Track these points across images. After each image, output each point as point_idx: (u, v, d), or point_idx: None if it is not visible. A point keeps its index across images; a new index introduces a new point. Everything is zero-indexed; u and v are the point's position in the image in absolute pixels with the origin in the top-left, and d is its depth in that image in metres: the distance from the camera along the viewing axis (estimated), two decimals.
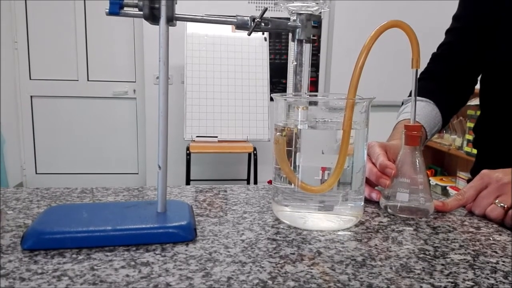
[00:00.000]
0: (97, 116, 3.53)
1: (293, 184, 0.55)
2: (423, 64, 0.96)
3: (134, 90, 3.52)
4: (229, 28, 2.87)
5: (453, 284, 0.41)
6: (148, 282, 0.40)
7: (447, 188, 2.85)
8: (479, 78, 0.93)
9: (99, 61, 3.46)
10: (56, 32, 3.38)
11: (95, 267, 0.43)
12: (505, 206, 0.60)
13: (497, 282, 0.42)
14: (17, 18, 3.33)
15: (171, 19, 0.52)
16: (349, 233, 0.54)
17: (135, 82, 3.51)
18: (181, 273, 0.42)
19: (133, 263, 0.44)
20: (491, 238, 0.54)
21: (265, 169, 3.12)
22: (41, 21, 3.36)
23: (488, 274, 0.44)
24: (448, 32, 0.94)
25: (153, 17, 0.52)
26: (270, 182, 0.63)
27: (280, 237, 0.52)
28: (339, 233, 0.54)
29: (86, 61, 3.45)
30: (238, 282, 0.40)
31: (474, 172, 0.67)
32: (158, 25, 0.52)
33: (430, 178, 3.00)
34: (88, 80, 3.48)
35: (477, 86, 0.95)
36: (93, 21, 3.40)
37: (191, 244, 0.49)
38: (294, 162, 0.55)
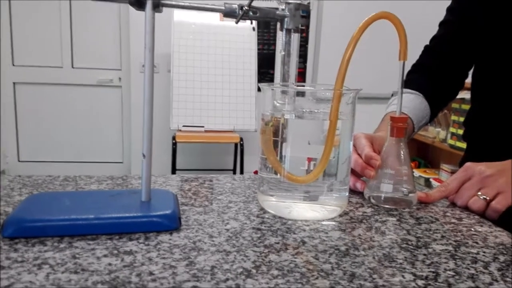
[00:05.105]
0: (82, 104, 3.47)
1: (279, 174, 0.55)
2: (416, 56, 0.97)
3: (120, 78, 3.47)
4: (217, 16, 2.84)
5: (434, 274, 0.42)
6: (131, 271, 0.40)
7: (430, 180, 2.89)
8: (470, 72, 0.93)
9: (84, 47, 3.40)
10: (40, 17, 3.30)
11: (77, 256, 0.42)
12: (487, 198, 0.61)
13: (477, 272, 0.43)
14: None
15: (157, 5, 0.51)
16: (333, 223, 0.55)
17: (120, 70, 3.46)
18: (164, 262, 0.42)
19: (116, 251, 0.43)
20: (472, 229, 0.55)
21: (252, 160, 3.12)
22: (24, 6, 3.27)
23: (469, 264, 0.44)
24: (441, 24, 0.94)
25: (138, 3, 0.51)
26: (256, 172, 0.63)
27: (265, 226, 0.52)
28: (324, 223, 0.54)
29: (70, 47, 3.38)
30: (222, 271, 0.40)
31: (463, 165, 0.68)
32: (144, 11, 0.51)
33: (414, 170, 3.03)
34: (72, 67, 3.41)
35: (467, 80, 0.95)
36: (78, 6, 3.33)
37: (175, 233, 0.49)
38: (280, 152, 0.55)
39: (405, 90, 0.88)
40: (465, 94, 2.16)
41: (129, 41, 3.24)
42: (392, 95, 0.93)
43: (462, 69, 0.93)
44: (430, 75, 0.93)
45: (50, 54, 3.37)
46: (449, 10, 0.93)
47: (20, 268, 0.39)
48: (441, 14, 0.95)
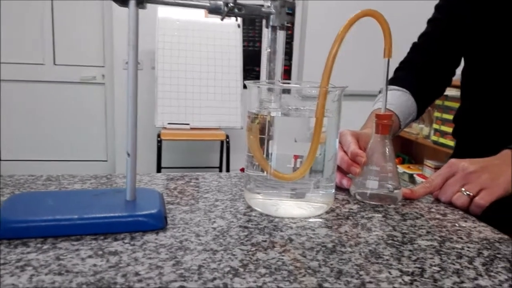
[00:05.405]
0: (64, 102, 3.41)
1: (265, 172, 0.55)
2: (403, 53, 0.97)
3: (103, 75, 3.42)
4: (202, 13, 2.82)
5: (420, 269, 0.42)
6: (117, 272, 0.39)
7: (414, 176, 2.93)
8: (460, 69, 0.94)
9: (67, 44, 3.34)
10: (21, 12, 3.23)
11: (61, 257, 0.41)
12: (471, 194, 0.62)
13: (462, 267, 0.43)
14: None
15: (141, 2, 0.50)
16: (320, 220, 0.55)
17: (103, 67, 3.42)
18: (150, 262, 0.41)
19: (100, 252, 0.43)
20: (456, 225, 0.56)
21: (238, 157, 3.11)
22: (5, 1, 3.20)
23: (454, 259, 0.45)
24: (429, 22, 0.95)
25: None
26: (242, 170, 0.62)
27: (252, 224, 0.52)
28: (310, 220, 0.54)
29: (52, 44, 3.32)
30: (209, 270, 0.40)
31: None
32: (127, 7, 0.50)
33: (398, 166, 3.07)
34: (54, 64, 3.35)
35: (455, 78, 0.96)
36: (60, 2, 3.27)
37: (161, 232, 0.48)
38: (267, 150, 0.55)
39: (392, 87, 0.89)
40: (448, 91, 2.19)
41: (113, 38, 3.19)
42: (380, 92, 0.94)
43: (450, 67, 0.94)
44: (417, 73, 0.93)
45: (31, 50, 3.30)
46: (437, 8, 0.93)
47: (2, 270, 0.38)
48: (428, 12, 0.95)
